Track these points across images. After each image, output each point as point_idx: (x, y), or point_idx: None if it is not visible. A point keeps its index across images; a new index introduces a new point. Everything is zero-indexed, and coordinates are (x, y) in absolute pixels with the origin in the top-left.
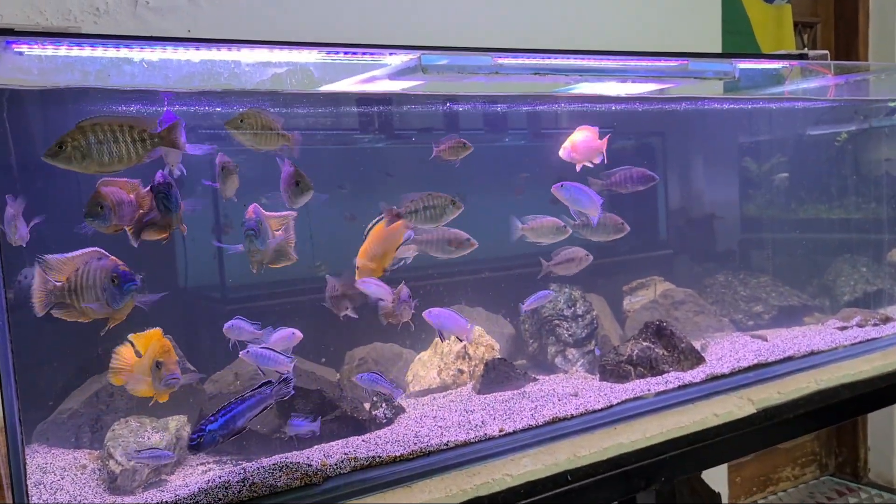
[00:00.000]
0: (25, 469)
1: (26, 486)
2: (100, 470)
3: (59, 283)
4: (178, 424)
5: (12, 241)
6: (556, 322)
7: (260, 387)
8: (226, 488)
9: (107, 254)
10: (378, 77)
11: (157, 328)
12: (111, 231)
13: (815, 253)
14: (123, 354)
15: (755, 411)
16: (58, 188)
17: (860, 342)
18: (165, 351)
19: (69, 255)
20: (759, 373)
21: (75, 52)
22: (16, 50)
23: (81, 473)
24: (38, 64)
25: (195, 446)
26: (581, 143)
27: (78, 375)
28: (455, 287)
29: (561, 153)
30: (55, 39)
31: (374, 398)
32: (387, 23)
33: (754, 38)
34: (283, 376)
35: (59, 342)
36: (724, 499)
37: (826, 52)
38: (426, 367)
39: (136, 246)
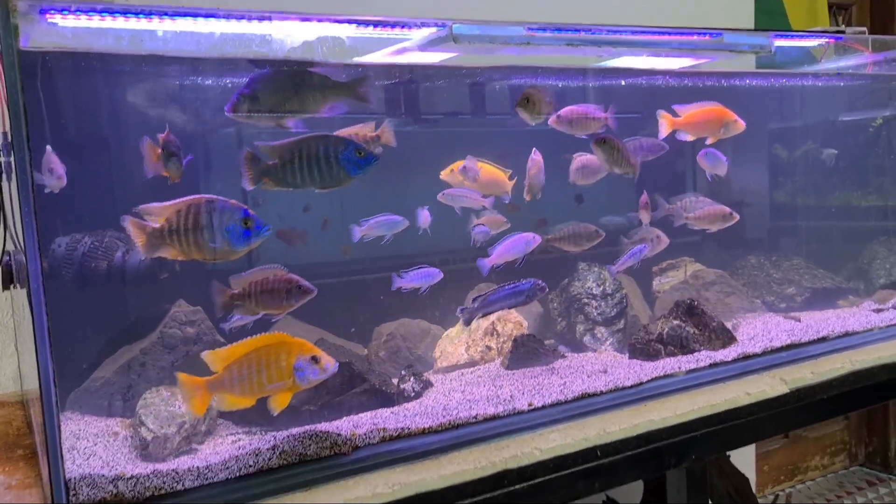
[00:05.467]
0: (60, 435)
1: (61, 451)
2: (132, 437)
3: (157, 226)
4: None
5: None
6: (585, 301)
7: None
8: (256, 455)
9: (222, 198)
10: (409, 48)
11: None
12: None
13: (850, 240)
14: None
15: (788, 391)
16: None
17: None
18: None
19: (169, 202)
20: (791, 353)
21: (108, 21)
22: (49, 20)
23: (114, 440)
24: (73, 29)
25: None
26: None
27: (109, 345)
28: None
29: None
30: (88, 6)
31: (403, 372)
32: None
33: (787, 18)
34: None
35: (91, 312)
36: (752, 487)
37: (864, 28)
38: (454, 343)
39: None
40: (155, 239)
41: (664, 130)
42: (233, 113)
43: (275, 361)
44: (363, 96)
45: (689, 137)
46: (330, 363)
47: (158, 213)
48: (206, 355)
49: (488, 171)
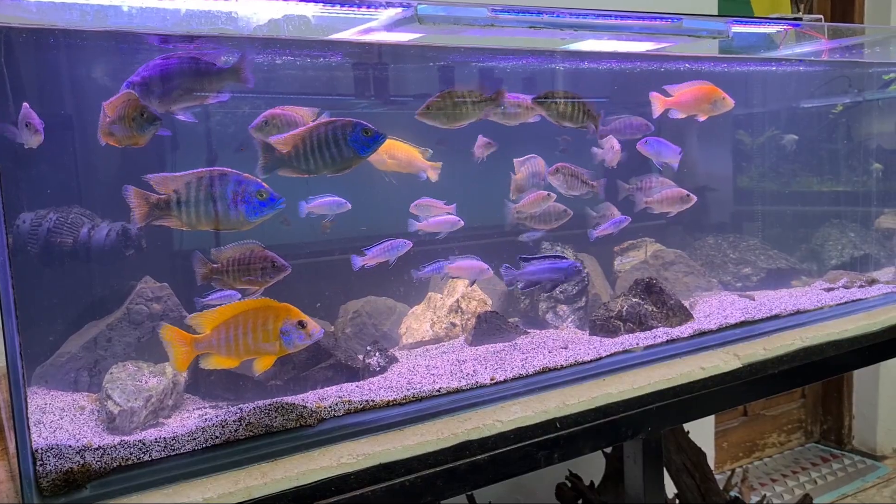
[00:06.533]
0: (27, 406)
1: (28, 423)
2: (98, 411)
3: (162, 196)
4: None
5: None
6: None
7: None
8: (222, 426)
9: (237, 171)
10: (375, 28)
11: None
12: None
13: (805, 224)
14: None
15: (741, 366)
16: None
17: (846, 302)
18: (293, 310)
19: (177, 173)
20: (745, 329)
21: None
22: None
23: (80, 414)
24: (37, 3)
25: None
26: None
27: (76, 321)
28: (452, 245)
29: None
30: None
31: (368, 348)
32: None
33: (750, 6)
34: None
35: (57, 288)
36: (711, 463)
37: (820, 15)
38: (419, 320)
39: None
40: (159, 209)
41: (657, 110)
42: None
43: (262, 325)
44: (245, 79)
45: (681, 115)
46: (316, 329)
47: (164, 183)
48: (193, 318)
49: (403, 149)
